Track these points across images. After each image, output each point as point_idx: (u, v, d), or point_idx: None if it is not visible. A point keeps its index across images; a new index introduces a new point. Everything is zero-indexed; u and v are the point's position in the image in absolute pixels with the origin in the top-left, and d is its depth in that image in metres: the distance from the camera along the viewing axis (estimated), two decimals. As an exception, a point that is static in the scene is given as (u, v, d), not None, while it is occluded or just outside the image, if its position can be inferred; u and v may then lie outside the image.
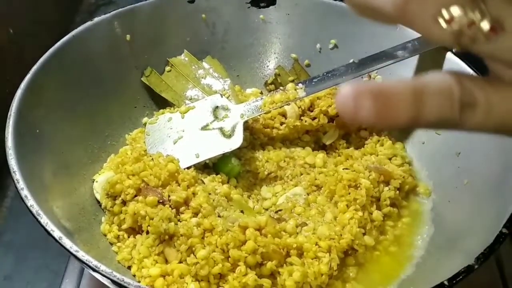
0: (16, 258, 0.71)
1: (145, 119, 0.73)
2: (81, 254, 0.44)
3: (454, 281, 0.43)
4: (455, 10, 0.23)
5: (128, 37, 0.72)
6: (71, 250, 0.45)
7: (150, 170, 0.61)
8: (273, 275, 0.56)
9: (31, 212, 0.47)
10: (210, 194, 0.61)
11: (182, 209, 0.59)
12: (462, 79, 0.26)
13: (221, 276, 0.54)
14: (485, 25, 0.24)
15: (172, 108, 0.74)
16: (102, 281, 0.47)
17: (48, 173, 0.58)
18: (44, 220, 0.47)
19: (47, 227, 0.46)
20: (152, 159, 0.62)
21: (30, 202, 0.48)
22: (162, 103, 0.75)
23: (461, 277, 0.44)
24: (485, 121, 0.26)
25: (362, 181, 0.61)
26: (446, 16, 0.23)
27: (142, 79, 0.74)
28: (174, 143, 0.68)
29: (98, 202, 0.63)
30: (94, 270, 0.43)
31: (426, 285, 0.44)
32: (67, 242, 0.45)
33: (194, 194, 0.60)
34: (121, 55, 0.72)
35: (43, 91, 0.61)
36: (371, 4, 0.25)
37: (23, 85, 0.59)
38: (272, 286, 0.54)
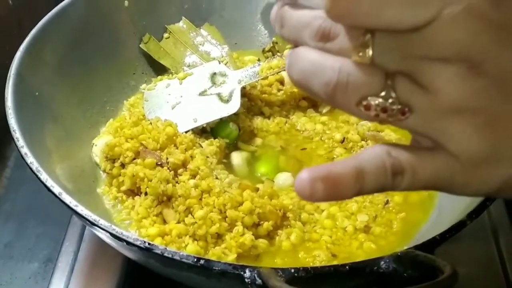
0: (16, 227, 0.72)
1: (143, 86, 0.74)
2: (80, 209, 0.45)
3: (446, 236, 0.44)
4: (372, 99, 0.29)
5: (126, 3, 0.72)
6: (71, 205, 0.45)
7: (148, 134, 0.61)
8: (269, 236, 0.57)
9: (31, 169, 0.48)
10: (208, 157, 0.62)
11: (180, 171, 0.59)
12: (391, 150, 0.31)
13: (219, 236, 0.55)
14: (396, 109, 0.29)
15: (170, 75, 0.74)
16: (101, 236, 0.47)
17: (48, 135, 0.58)
18: (44, 176, 0.47)
19: (46, 183, 0.47)
20: (151, 123, 0.63)
21: (30, 159, 0.48)
22: (160, 70, 0.75)
23: (453, 232, 0.45)
24: (413, 183, 0.31)
25: None
26: (365, 103, 0.29)
27: (140, 45, 0.74)
28: (172, 108, 0.68)
29: (98, 166, 0.63)
30: (93, 224, 0.44)
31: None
32: (66, 198, 0.46)
33: (192, 157, 0.61)
34: (119, 21, 0.72)
35: (42, 55, 0.62)
36: (311, 87, 0.31)
37: (22, 47, 0.59)
38: (269, 246, 0.55)
